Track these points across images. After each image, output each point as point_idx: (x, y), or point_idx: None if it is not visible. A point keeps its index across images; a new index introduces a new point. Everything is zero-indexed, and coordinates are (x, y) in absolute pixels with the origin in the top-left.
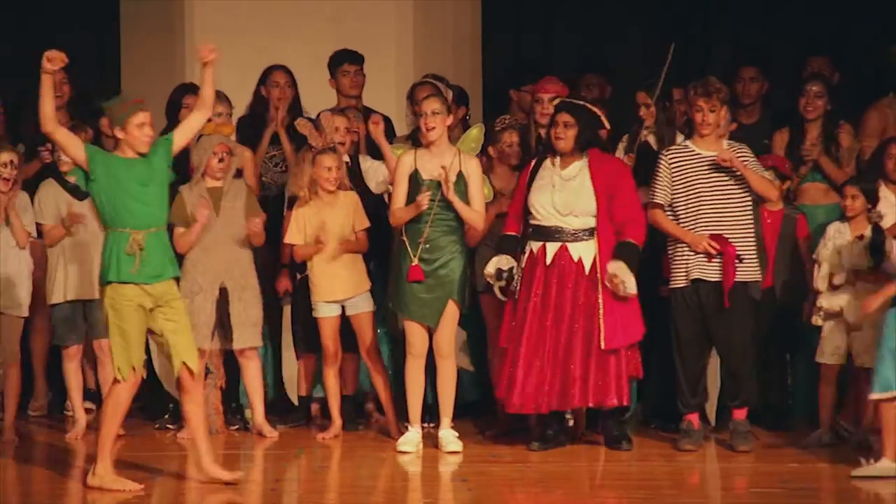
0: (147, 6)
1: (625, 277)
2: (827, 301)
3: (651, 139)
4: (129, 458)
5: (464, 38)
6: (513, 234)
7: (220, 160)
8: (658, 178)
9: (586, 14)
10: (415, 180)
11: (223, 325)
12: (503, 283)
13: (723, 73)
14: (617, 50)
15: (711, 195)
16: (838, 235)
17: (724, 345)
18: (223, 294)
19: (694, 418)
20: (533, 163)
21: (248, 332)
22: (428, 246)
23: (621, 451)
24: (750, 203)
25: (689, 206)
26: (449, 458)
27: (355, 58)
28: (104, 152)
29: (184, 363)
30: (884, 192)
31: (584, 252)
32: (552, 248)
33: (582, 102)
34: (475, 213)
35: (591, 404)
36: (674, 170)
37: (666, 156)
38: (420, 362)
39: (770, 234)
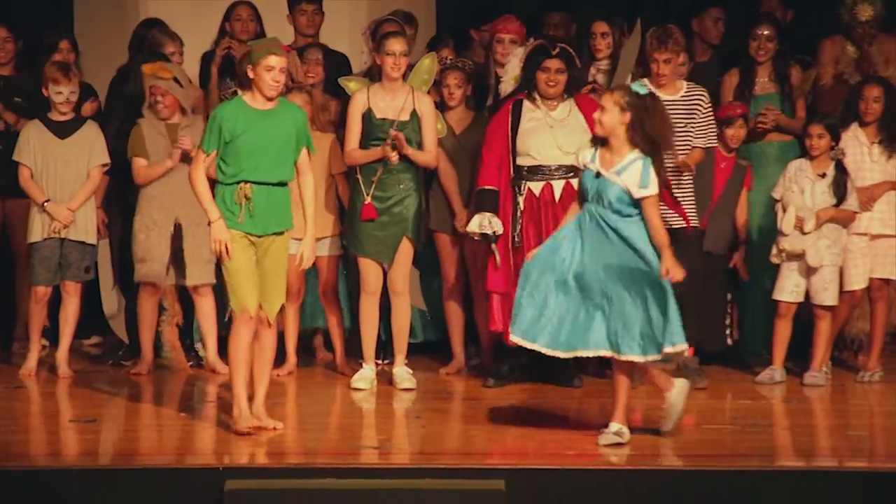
0: None
1: None
2: (790, 244)
3: (600, 77)
4: (82, 394)
5: None
6: (492, 188)
7: (157, 101)
8: None
9: None
10: (368, 119)
11: (177, 261)
12: (493, 241)
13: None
14: None
15: None
16: (800, 174)
17: None
18: (178, 230)
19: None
20: (510, 106)
21: (201, 269)
22: (382, 184)
23: (572, 388)
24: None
25: None
26: (403, 395)
27: None
28: (233, 104)
29: (260, 307)
30: (856, 131)
31: None
32: (558, 185)
33: (566, 47)
34: (429, 155)
35: None
36: None
37: None
38: (374, 299)
39: (719, 180)
